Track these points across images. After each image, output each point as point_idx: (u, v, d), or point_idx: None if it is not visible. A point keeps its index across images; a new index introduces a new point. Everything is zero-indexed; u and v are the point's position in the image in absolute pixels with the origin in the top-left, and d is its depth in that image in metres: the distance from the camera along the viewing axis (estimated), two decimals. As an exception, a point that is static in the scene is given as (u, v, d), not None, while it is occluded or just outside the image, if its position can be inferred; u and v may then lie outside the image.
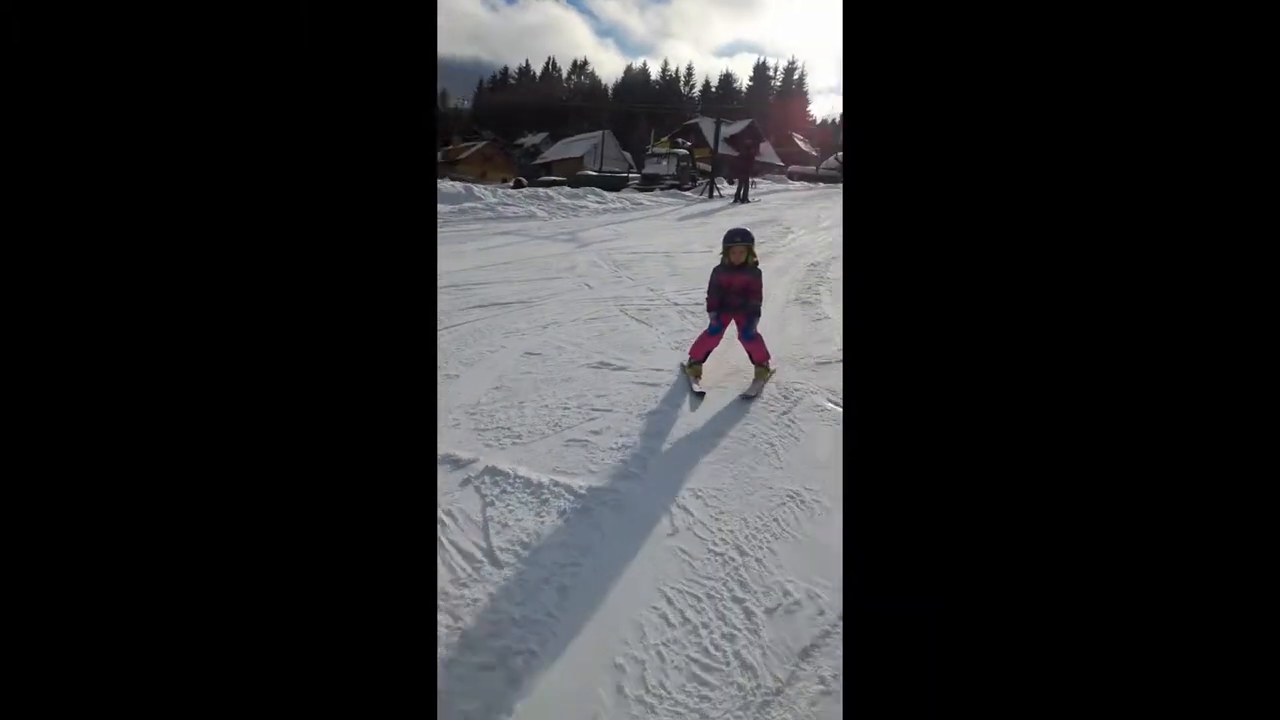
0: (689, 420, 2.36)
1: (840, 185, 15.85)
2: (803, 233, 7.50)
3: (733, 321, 2.83)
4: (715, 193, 12.66)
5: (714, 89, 61.69)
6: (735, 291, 2.79)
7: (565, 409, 2.43)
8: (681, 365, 2.90)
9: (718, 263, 2.87)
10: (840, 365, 2.92)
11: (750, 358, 2.83)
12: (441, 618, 1.36)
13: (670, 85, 62.12)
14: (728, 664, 1.25)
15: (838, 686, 1.18)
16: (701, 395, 2.60)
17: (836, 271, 5.07)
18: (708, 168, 15.60)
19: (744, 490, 1.88)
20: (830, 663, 1.26)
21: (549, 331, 3.46)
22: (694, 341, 2.88)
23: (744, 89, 61.30)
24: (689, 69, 70.56)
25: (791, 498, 1.84)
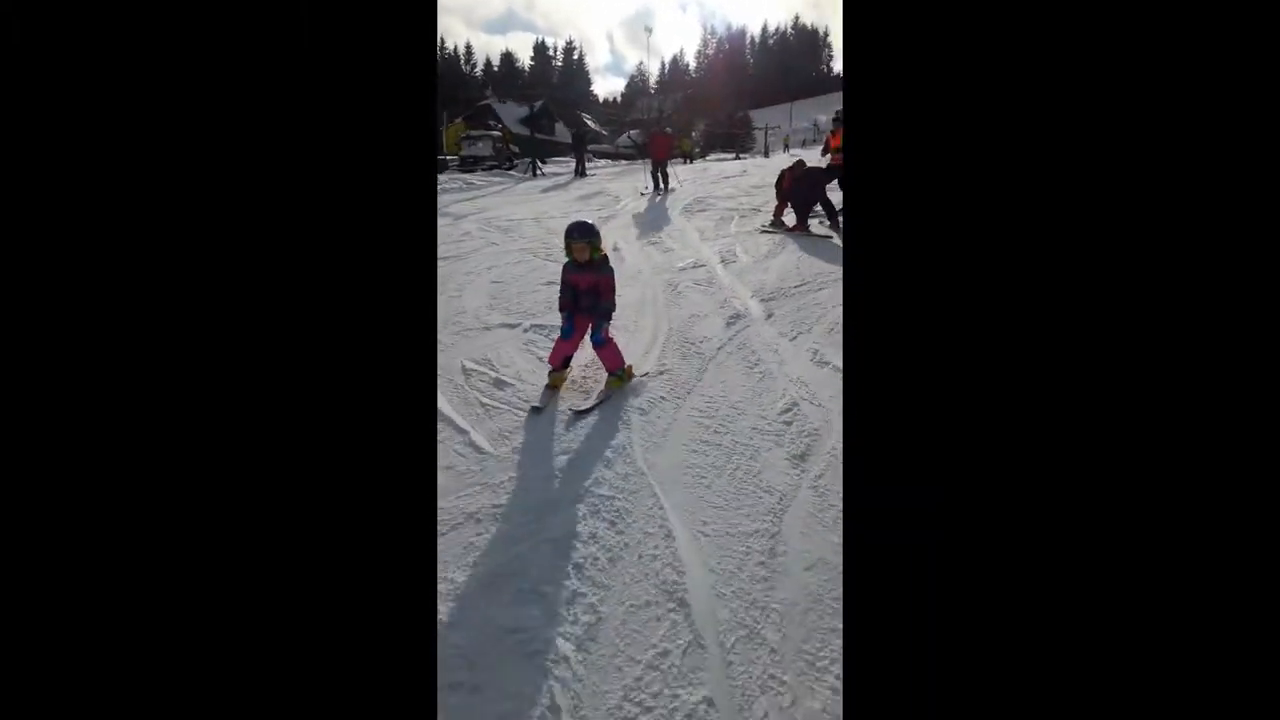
0: (628, 303, 4.10)
1: (638, 161, 18.23)
2: (630, 200, 9.46)
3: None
4: (538, 171, 14.14)
5: (496, 68, 61.62)
6: (585, 292, 2.61)
7: (549, 302, 4.02)
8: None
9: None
10: (694, 269, 4.87)
11: (604, 365, 2.67)
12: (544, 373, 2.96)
13: (450, 65, 60.50)
14: (695, 355, 3.08)
15: (741, 350, 3.06)
16: (538, 410, 2.43)
17: (666, 225, 7.09)
18: (517, 149, 16.95)
19: (672, 317, 3.72)
20: (735, 338, 3.13)
21: (494, 271, 4.90)
22: (551, 350, 2.73)
23: (526, 69, 62.19)
24: (468, 47, 68.78)
25: (693, 315, 3.72)
